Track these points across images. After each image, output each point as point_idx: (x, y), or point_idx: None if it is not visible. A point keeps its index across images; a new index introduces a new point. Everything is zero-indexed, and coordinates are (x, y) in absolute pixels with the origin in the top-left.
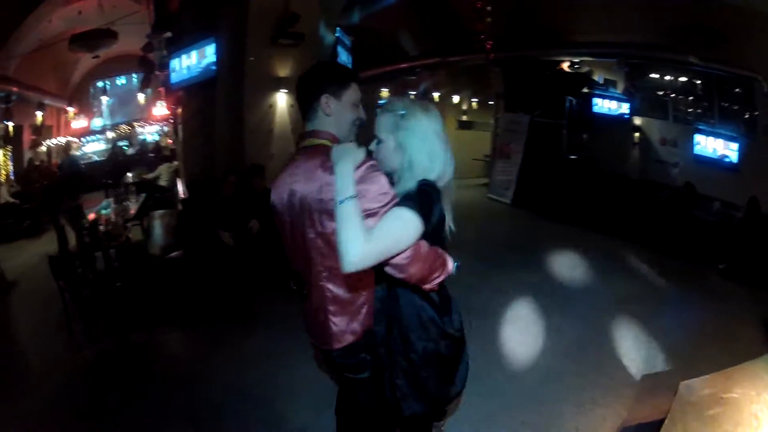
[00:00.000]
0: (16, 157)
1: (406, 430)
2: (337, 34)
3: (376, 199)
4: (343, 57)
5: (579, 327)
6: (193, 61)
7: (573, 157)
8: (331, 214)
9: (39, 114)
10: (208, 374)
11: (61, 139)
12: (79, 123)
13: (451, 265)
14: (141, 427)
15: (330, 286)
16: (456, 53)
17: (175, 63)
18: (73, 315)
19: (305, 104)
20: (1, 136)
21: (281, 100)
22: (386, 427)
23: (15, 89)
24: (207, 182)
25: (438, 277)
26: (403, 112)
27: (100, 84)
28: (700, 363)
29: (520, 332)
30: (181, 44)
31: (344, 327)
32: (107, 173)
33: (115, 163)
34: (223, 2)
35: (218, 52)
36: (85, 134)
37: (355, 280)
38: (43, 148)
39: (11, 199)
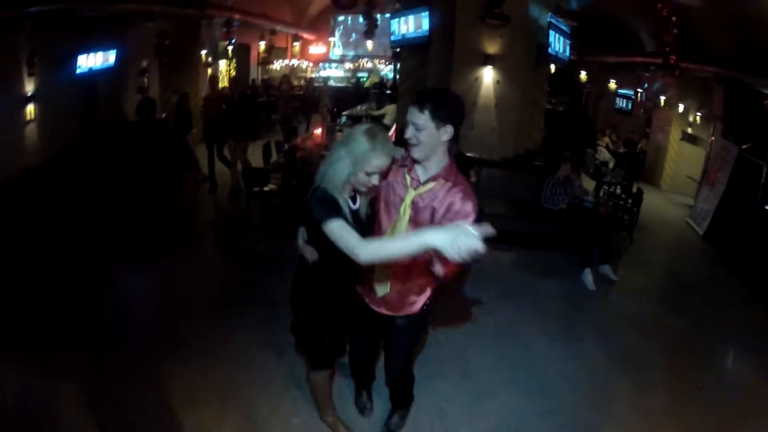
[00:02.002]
0: (241, 71)
1: None
2: (549, 19)
3: None
4: (557, 44)
5: None
6: (410, 26)
7: None
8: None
9: (266, 38)
10: None
11: (294, 62)
12: (317, 50)
13: None
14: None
15: None
16: (686, 59)
17: (394, 24)
18: (255, 216)
19: None
20: (221, 53)
21: (487, 75)
22: None
23: (236, 16)
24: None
25: None
26: None
27: (341, 18)
28: None
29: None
30: (399, 2)
31: None
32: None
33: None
34: None
35: (431, 21)
36: (323, 61)
37: None
38: (275, 67)
39: None
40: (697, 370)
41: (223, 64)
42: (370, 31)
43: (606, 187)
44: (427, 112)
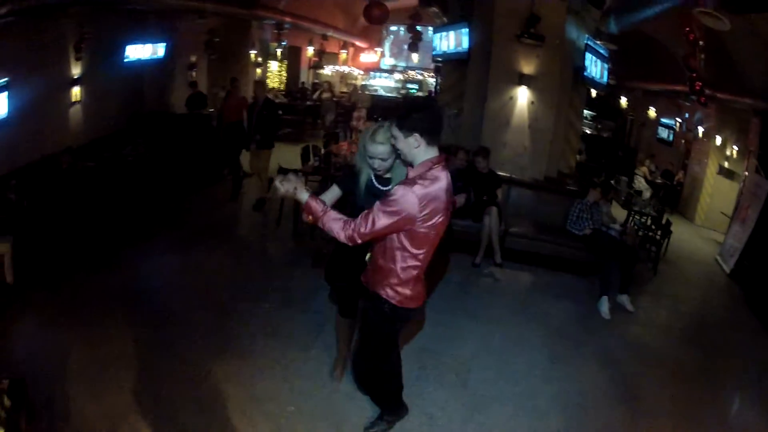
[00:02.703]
0: (292, 73)
1: None
2: (586, 41)
3: None
4: (593, 68)
5: None
6: (450, 43)
7: None
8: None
9: (316, 42)
10: None
11: (345, 68)
12: (368, 57)
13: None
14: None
15: None
16: (723, 90)
17: (436, 39)
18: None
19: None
20: (271, 54)
21: (522, 95)
22: None
23: (288, 19)
24: (446, 149)
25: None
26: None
27: (393, 28)
28: None
29: None
30: (444, 16)
31: None
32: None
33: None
34: None
35: (470, 38)
36: (373, 69)
37: None
38: (326, 71)
39: None
40: (698, 408)
41: (274, 65)
42: (414, 44)
43: (637, 217)
44: (395, 125)
